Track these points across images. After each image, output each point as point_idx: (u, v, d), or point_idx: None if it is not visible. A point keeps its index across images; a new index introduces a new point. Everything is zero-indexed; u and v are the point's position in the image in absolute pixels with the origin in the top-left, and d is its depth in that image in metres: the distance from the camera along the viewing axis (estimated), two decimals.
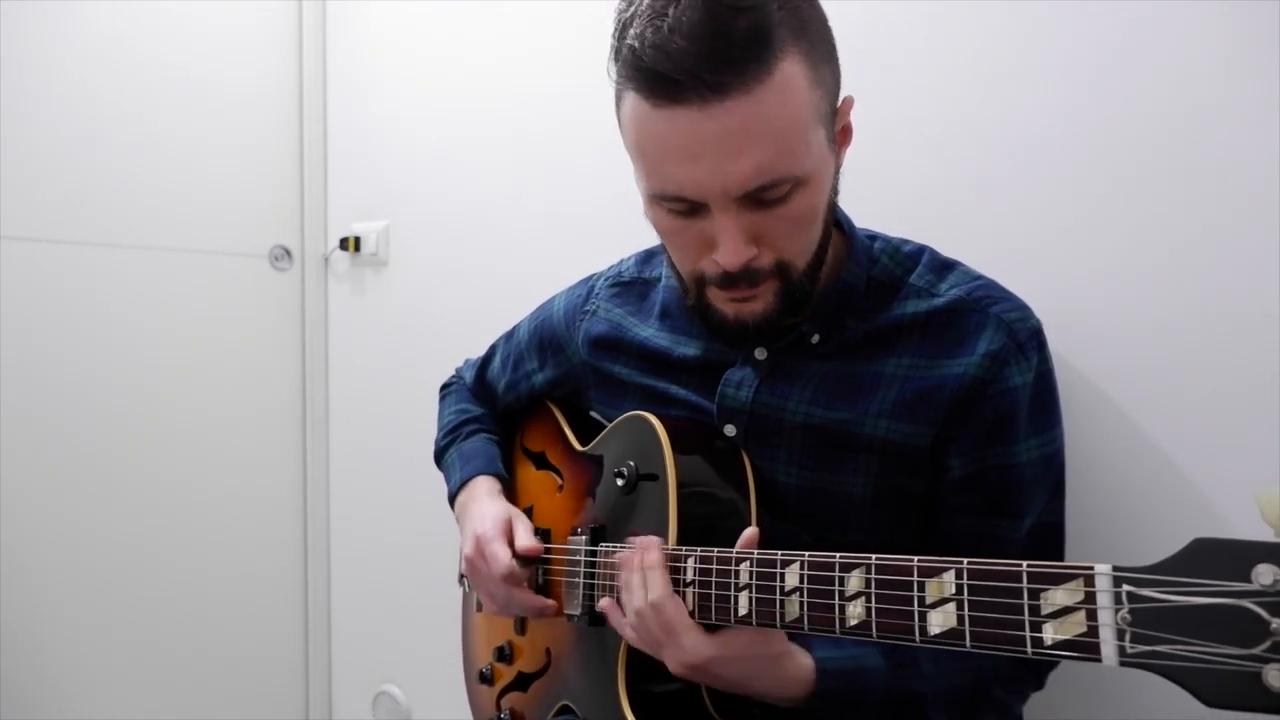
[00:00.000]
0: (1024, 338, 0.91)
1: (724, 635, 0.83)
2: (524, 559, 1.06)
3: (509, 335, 1.30)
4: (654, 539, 0.89)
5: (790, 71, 0.78)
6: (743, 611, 0.80)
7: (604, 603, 0.94)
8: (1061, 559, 0.97)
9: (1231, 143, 1.00)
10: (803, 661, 0.86)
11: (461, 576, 1.22)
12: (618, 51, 0.82)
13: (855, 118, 0.93)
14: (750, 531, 0.84)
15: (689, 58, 0.75)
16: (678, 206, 0.85)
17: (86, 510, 1.82)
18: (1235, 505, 1.00)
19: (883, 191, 1.19)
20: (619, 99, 0.85)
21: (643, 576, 0.87)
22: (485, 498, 1.15)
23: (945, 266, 0.97)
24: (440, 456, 1.31)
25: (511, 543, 1.07)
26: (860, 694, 0.87)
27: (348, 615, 2.14)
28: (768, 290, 0.87)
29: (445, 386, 1.41)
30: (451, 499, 1.23)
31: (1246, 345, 0.99)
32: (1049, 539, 0.96)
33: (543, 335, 1.22)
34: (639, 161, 0.86)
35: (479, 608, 1.26)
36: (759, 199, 0.81)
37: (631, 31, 0.79)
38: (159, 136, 1.89)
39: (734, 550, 0.82)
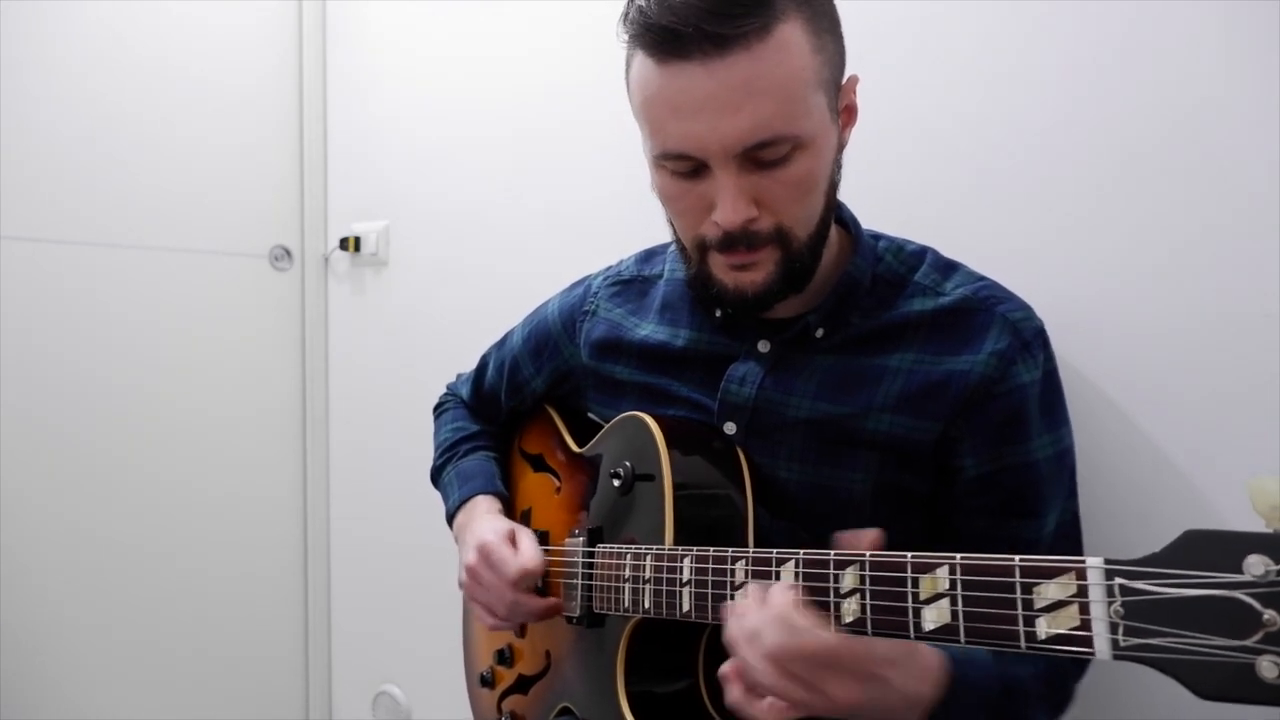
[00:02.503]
0: (1029, 336, 0.91)
1: (867, 641, 0.72)
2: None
3: (501, 343, 1.29)
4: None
5: (791, 34, 0.80)
6: None
7: (732, 695, 0.76)
8: (1081, 554, 0.96)
9: (1231, 142, 1.00)
10: (929, 650, 0.77)
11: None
12: (627, 13, 0.85)
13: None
14: (874, 533, 0.76)
15: (692, 11, 0.78)
16: (680, 167, 0.86)
17: (86, 510, 1.82)
18: (1237, 505, 0.99)
19: (883, 191, 1.18)
20: (628, 63, 0.88)
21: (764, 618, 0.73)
22: (485, 515, 1.13)
23: (949, 267, 0.98)
24: (437, 476, 1.28)
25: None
26: (980, 683, 0.81)
27: (348, 615, 2.14)
28: (767, 258, 0.88)
29: (439, 406, 1.38)
30: (450, 518, 1.20)
31: (1246, 345, 0.99)
32: (1071, 535, 0.96)
33: (538, 339, 1.21)
34: (644, 122, 0.88)
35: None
36: (759, 160, 0.83)
37: None
38: (159, 136, 1.89)
39: (729, 550, 0.82)
